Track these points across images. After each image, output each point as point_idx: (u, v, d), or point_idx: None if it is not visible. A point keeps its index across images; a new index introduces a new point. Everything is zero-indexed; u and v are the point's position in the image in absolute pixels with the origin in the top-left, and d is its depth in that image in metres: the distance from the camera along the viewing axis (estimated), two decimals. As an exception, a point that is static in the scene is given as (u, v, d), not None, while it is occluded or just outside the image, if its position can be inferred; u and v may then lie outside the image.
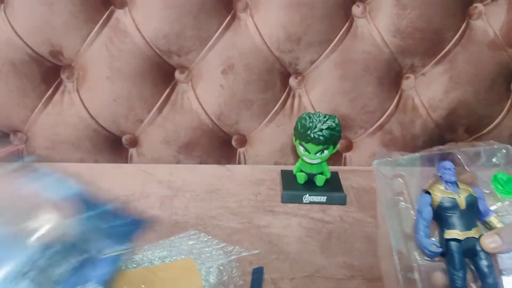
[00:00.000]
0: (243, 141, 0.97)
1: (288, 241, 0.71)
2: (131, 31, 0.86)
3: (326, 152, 0.80)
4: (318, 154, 0.80)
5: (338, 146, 0.82)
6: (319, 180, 0.83)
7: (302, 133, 0.79)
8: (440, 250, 0.48)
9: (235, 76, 0.90)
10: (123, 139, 0.95)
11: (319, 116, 0.79)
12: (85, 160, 0.94)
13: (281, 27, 0.87)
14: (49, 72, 0.89)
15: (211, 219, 0.75)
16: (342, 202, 0.81)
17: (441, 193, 0.49)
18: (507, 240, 0.47)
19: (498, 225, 0.49)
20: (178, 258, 0.59)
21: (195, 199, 0.81)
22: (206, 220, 0.75)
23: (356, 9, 0.88)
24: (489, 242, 0.47)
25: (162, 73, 0.90)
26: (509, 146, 0.55)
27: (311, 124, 0.78)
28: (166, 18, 0.85)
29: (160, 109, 0.92)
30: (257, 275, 0.60)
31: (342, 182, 0.85)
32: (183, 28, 0.86)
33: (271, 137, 0.96)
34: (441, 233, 0.49)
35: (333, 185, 0.84)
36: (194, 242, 0.62)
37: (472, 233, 0.47)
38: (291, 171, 0.86)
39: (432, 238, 0.49)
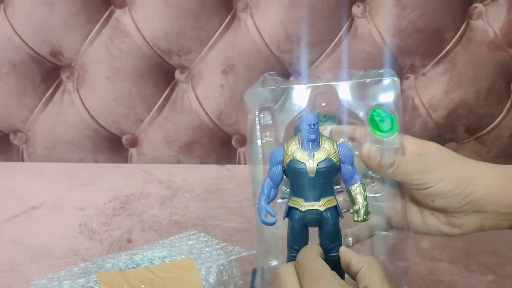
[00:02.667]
0: (243, 141, 0.97)
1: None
2: (131, 31, 0.86)
3: (326, 152, 0.80)
4: (318, 154, 0.80)
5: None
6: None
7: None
8: (273, 221, 0.43)
9: (235, 76, 0.90)
10: (123, 139, 0.95)
11: (319, 116, 0.79)
12: (85, 160, 0.95)
13: (281, 27, 0.87)
14: (49, 72, 0.89)
15: (211, 219, 0.75)
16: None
17: (293, 152, 0.42)
18: (382, 161, 0.45)
19: (358, 196, 0.43)
20: (178, 258, 0.59)
21: (195, 199, 0.81)
22: (206, 220, 0.75)
23: (356, 9, 0.88)
24: (366, 148, 0.46)
25: (162, 73, 0.90)
26: (396, 78, 0.51)
27: (311, 124, 0.78)
28: (166, 18, 0.85)
29: (160, 109, 0.92)
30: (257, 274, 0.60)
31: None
32: (183, 28, 0.86)
33: (271, 137, 0.96)
34: (288, 196, 0.43)
35: (333, 185, 0.83)
36: (194, 242, 0.62)
37: (318, 204, 0.42)
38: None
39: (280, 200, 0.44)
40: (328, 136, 0.44)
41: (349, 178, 0.43)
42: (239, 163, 0.98)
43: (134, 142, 0.96)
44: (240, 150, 0.98)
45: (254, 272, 0.61)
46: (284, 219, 0.44)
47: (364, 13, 0.88)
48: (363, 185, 0.44)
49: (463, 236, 0.72)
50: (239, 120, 0.94)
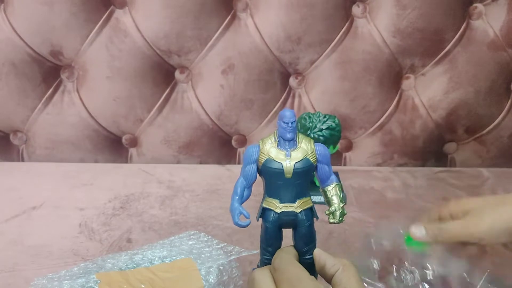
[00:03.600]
0: (243, 141, 0.97)
1: (288, 241, 0.71)
2: (131, 31, 0.86)
3: (326, 152, 0.80)
4: (318, 154, 0.80)
5: (338, 146, 0.82)
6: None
7: (302, 133, 0.79)
8: (246, 224, 0.41)
9: (235, 76, 0.90)
10: (123, 139, 0.95)
11: (319, 116, 0.79)
12: (85, 159, 0.95)
13: (281, 27, 0.87)
14: (49, 72, 0.89)
15: (211, 219, 0.75)
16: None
17: (269, 151, 0.40)
18: (431, 239, 0.52)
19: (334, 197, 0.43)
20: (178, 258, 0.59)
21: (195, 199, 0.81)
22: (206, 220, 0.75)
23: (356, 9, 0.88)
24: (417, 231, 0.52)
25: (162, 73, 0.90)
26: None
27: (311, 124, 0.78)
28: (166, 18, 0.86)
29: (160, 109, 0.92)
30: None
31: (342, 182, 0.85)
32: (183, 28, 0.86)
33: (271, 137, 0.96)
34: (263, 197, 0.42)
35: (333, 185, 0.83)
36: (194, 242, 0.62)
37: (294, 206, 0.41)
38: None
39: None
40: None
41: (325, 178, 0.42)
42: (239, 163, 0.98)
43: (134, 142, 0.96)
44: (240, 150, 0.98)
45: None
46: (257, 221, 0.43)
47: (364, 13, 0.88)
48: (339, 186, 0.43)
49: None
50: (239, 120, 0.94)
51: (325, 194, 0.43)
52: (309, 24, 0.87)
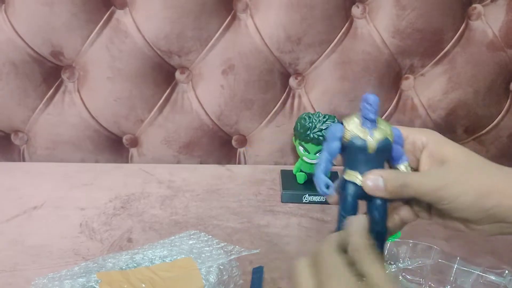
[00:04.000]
0: (243, 141, 0.97)
1: (288, 240, 0.71)
2: (132, 32, 0.86)
3: (325, 152, 0.80)
4: (317, 154, 0.80)
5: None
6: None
7: (301, 133, 0.80)
8: (330, 192, 0.45)
9: (235, 77, 0.90)
10: (124, 139, 0.95)
11: (319, 116, 0.80)
12: (86, 160, 0.95)
13: (281, 28, 0.87)
14: (50, 72, 0.89)
15: (211, 219, 0.76)
16: None
17: (354, 129, 0.45)
18: (390, 188, 0.44)
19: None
20: (178, 258, 0.59)
21: (195, 199, 0.81)
22: (206, 220, 0.75)
23: (356, 10, 0.88)
24: (369, 180, 0.44)
25: (163, 73, 0.91)
26: None
27: (310, 124, 0.79)
28: (166, 18, 0.86)
29: (161, 109, 0.93)
30: (257, 274, 0.61)
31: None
32: (183, 28, 0.87)
33: (271, 137, 0.96)
34: (343, 170, 0.46)
35: (332, 185, 0.84)
36: (194, 241, 0.62)
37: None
38: (291, 171, 0.86)
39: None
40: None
41: (398, 157, 0.47)
42: (239, 163, 0.98)
43: (135, 142, 0.96)
44: (240, 150, 0.98)
45: (254, 271, 0.61)
46: (338, 192, 0.46)
47: (363, 13, 0.89)
48: (409, 165, 0.47)
49: (462, 236, 0.73)
50: (239, 120, 0.94)
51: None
52: (309, 25, 0.87)
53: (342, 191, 0.46)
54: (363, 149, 0.44)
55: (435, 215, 0.48)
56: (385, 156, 0.45)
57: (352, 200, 0.45)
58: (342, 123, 0.46)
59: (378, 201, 0.45)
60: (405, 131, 0.48)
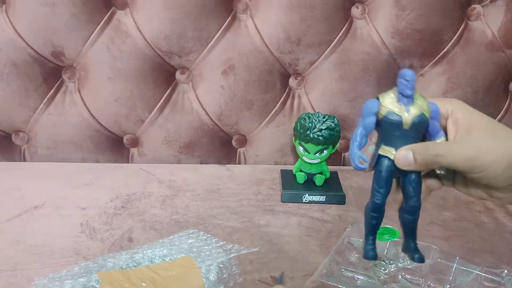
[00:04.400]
0: (243, 141, 0.98)
1: (287, 240, 0.71)
2: (132, 32, 0.87)
3: (325, 152, 0.81)
4: (317, 154, 0.81)
5: (338, 146, 0.83)
6: (319, 180, 0.83)
7: (301, 133, 0.80)
8: (365, 167, 0.45)
9: (236, 77, 0.91)
10: (124, 139, 0.96)
11: (319, 116, 0.80)
12: (86, 160, 0.95)
13: (281, 28, 0.88)
14: (51, 72, 0.89)
15: (211, 218, 0.76)
16: (341, 201, 0.82)
17: (390, 105, 0.44)
18: (421, 160, 0.44)
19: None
20: (178, 257, 0.59)
21: (196, 199, 0.82)
22: (207, 219, 0.75)
23: (356, 10, 0.89)
24: (400, 155, 0.44)
25: (163, 73, 0.91)
26: None
27: (310, 125, 0.79)
28: (167, 19, 0.86)
29: (161, 110, 0.93)
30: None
31: (341, 182, 0.85)
32: (184, 29, 0.87)
33: (271, 137, 0.96)
34: (378, 145, 0.46)
35: (332, 185, 0.84)
36: (193, 240, 0.62)
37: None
38: (291, 171, 0.86)
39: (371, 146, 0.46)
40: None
41: (435, 133, 0.46)
42: (239, 163, 0.99)
43: (135, 142, 0.96)
44: (240, 150, 0.99)
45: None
46: (372, 168, 0.47)
47: (363, 14, 0.89)
48: (446, 140, 0.47)
49: (463, 236, 0.73)
50: (239, 120, 0.95)
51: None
52: (308, 25, 0.88)
53: (377, 166, 0.46)
54: (399, 125, 0.44)
55: (459, 183, 0.48)
56: (421, 131, 0.45)
57: (386, 174, 0.45)
58: (378, 98, 0.45)
59: (412, 176, 0.45)
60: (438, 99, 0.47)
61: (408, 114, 0.44)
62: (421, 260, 0.47)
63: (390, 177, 0.45)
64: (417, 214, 0.46)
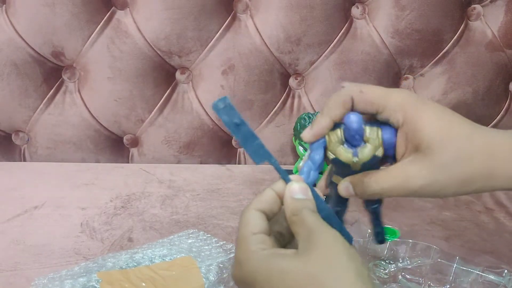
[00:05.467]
0: (243, 141, 0.97)
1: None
2: (132, 32, 0.87)
3: (325, 152, 0.80)
4: (317, 154, 0.80)
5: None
6: (319, 180, 0.83)
7: (301, 133, 0.80)
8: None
9: (236, 77, 0.91)
10: (124, 139, 0.96)
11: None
12: (86, 159, 0.95)
13: (281, 28, 0.88)
14: (51, 72, 0.89)
15: (211, 218, 0.76)
16: None
17: (337, 149, 0.40)
18: (361, 195, 0.41)
19: None
20: (178, 256, 0.59)
21: (196, 199, 0.81)
22: (207, 219, 0.75)
23: (356, 10, 0.89)
24: (341, 189, 0.42)
25: (163, 73, 0.91)
26: None
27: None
28: (167, 19, 0.86)
29: (161, 109, 0.93)
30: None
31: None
32: (184, 29, 0.87)
33: (271, 137, 0.96)
34: (330, 173, 0.44)
35: (332, 185, 0.84)
36: (193, 240, 0.63)
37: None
38: (291, 171, 0.86)
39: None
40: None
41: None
42: (239, 163, 0.99)
43: (135, 142, 0.96)
44: (240, 150, 0.99)
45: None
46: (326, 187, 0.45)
47: (363, 14, 0.89)
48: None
49: (463, 236, 0.73)
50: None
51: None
52: (308, 25, 0.88)
53: (330, 189, 0.45)
54: (347, 168, 0.41)
55: None
56: (377, 164, 0.42)
57: (336, 197, 0.44)
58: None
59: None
60: (382, 100, 0.41)
61: (357, 159, 0.40)
62: (381, 240, 0.47)
63: (341, 197, 0.43)
64: (380, 202, 0.44)
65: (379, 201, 0.44)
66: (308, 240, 0.36)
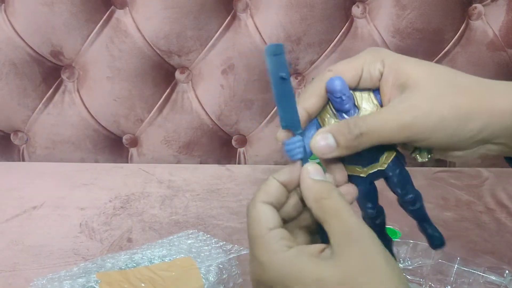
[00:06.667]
0: (243, 141, 0.97)
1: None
2: (132, 31, 0.86)
3: (325, 152, 0.80)
4: (317, 154, 0.80)
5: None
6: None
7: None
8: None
9: (235, 76, 0.90)
10: (124, 139, 0.95)
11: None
12: (85, 159, 0.95)
13: (281, 28, 0.87)
14: (50, 72, 0.89)
15: (211, 219, 0.75)
16: None
17: (331, 123, 0.37)
18: (344, 144, 0.35)
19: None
20: (177, 257, 0.59)
21: (195, 199, 0.81)
22: (206, 220, 0.75)
23: (356, 10, 0.88)
24: (318, 141, 0.35)
25: (163, 73, 0.91)
26: None
27: (310, 124, 0.79)
28: (166, 18, 0.86)
29: (161, 109, 0.93)
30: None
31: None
32: (183, 28, 0.87)
33: (271, 137, 0.96)
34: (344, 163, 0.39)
35: (332, 185, 0.84)
36: (193, 241, 0.62)
37: (378, 165, 0.38)
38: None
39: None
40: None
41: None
42: (239, 163, 0.98)
43: (135, 142, 0.96)
44: (240, 150, 0.98)
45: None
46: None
47: (363, 13, 0.89)
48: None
49: (464, 236, 0.73)
50: (239, 120, 0.94)
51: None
52: (309, 25, 0.87)
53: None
54: None
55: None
56: None
57: (365, 189, 0.39)
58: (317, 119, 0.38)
59: (395, 178, 0.39)
60: (355, 63, 0.38)
61: None
62: (440, 243, 0.41)
63: (371, 187, 0.40)
64: (420, 201, 0.40)
65: (417, 199, 0.40)
66: (345, 239, 0.32)
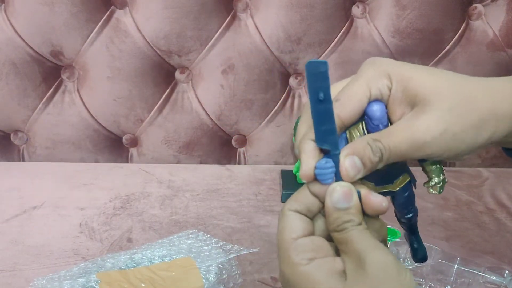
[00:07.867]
0: (243, 141, 0.97)
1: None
2: (132, 31, 0.86)
3: (325, 152, 0.80)
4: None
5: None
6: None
7: None
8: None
9: (235, 76, 0.90)
10: (124, 139, 0.95)
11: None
12: (85, 159, 0.95)
13: (281, 28, 0.87)
14: (50, 72, 0.89)
15: (211, 219, 0.75)
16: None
17: None
18: (369, 166, 0.35)
19: (432, 168, 0.39)
20: (177, 257, 0.59)
21: (195, 199, 0.81)
22: (206, 220, 0.75)
23: (356, 10, 0.88)
24: (349, 168, 0.34)
25: (163, 73, 0.91)
26: None
27: (311, 124, 0.79)
28: (166, 18, 0.86)
29: (161, 109, 0.93)
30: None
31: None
32: (183, 28, 0.87)
33: (271, 137, 0.96)
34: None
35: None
36: (193, 240, 0.62)
37: (391, 186, 0.38)
38: (291, 171, 0.86)
39: None
40: None
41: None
42: (239, 163, 0.98)
43: (135, 142, 0.96)
44: (240, 150, 0.98)
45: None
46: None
47: (363, 13, 0.89)
48: (440, 163, 0.40)
49: (464, 236, 0.73)
50: (239, 120, 0.94)
51: (423, 169, 0.40)
52: (309, 25, 0.87)
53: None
54: None
55: None
56: (404, 163, 0.39)
57: (403, 201, 0.39)
58: (345, 133, 0.38)
59: (402, 200, 0.39)
60: (361, 84, 0.37)
61: None
62: (423, 258, 0.43)
63: (408, 200, 0.40)
64: (416, 218, 0.41)
65: (413, 210, 0.41)
66: (357, 271, 0.32)
